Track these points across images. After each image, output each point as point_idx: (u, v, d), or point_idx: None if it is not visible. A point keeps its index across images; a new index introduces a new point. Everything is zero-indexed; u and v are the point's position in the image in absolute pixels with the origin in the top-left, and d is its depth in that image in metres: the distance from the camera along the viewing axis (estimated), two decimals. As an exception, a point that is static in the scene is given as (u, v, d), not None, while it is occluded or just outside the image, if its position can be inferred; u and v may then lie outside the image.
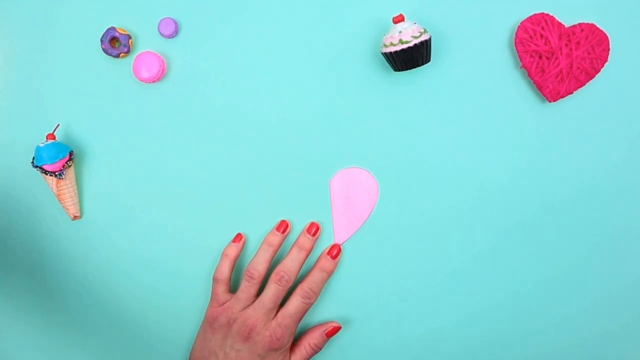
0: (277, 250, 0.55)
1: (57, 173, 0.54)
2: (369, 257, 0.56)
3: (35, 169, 0.55)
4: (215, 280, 0.55)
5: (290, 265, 0.53)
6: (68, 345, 0.59)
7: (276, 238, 0.55)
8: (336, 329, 0.54)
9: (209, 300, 0.55)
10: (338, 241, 0.56)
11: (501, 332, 0.56)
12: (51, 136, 0.55)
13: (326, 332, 0.54)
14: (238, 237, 0.56)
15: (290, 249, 0.54)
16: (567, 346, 0.56)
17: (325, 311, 0.57)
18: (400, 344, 0.57)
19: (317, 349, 0.54)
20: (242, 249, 0.56)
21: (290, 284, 0.53)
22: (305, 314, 0.54)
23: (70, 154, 0.56)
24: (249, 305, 0.53)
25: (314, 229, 0.55)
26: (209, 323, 0.54)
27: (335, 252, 0.55)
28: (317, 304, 0.56)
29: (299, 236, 0.55)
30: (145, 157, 0.57)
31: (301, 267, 0.54)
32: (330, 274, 0.55)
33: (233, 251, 0.55)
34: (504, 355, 0.56)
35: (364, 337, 0.57)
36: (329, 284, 0.56)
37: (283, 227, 0.55)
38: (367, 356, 0.57)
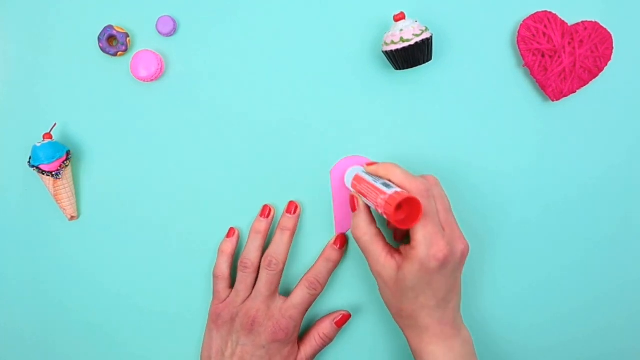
0: (266, 237, 0.54)
1: (54, 173, 0.54)
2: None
3: (32, 169, 0.54)
4: (215, 277, 0.55)
5: (276, 248, 0.53)
6: (66, 346, 0.59)
7: (262, 224, 0.54)
8: (346, 318, 0.54)
9: (212, 298, 0.55)
10: (339, 231, 0.55)
11: (499, 330, 0.55)
12: (48, 135, 0.55)
13: (335, 321, 0.54)
14: (231, 231, 0.56)
15: (274, 233, 0.54)
16: (566, 344, 0.55)
17: (328, 302, 0.56)
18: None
19: (327, 340, 0.54)
20: (237, 242, 0.56)
21: (281, 267, 0.53)
22: (312, 306, 0.54)
23: (68, 153, 0.55)
24: (248, 297, 0.53)
25: (293, 208, 0.55)
26: (213, 321, 0.54)
27: (341, 242, 0.55)
28: (321, 294, 0.56)
29: (280, 218, 0.55)
30: (143, 157, 0.57)
31: (289, 248, 0.54)
32: (336, 264, 0.54)
33: (228, 247, 0.55)
34: (504, 355, 0.56)
35: (369, 327, 0.56)
36: (333, 274, 0.56)
37: (267, 211, 0.55)
38: (372, 346, 0.57)
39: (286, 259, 0.53)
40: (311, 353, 0.53)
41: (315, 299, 0.53)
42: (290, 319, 0.51)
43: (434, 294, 0.46)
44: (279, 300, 0.53)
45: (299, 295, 0.52)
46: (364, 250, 0.49)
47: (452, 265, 0.47)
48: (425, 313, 0.47)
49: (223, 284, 0.54)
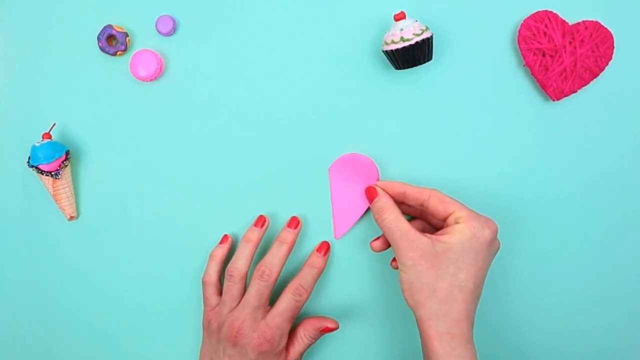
0: (256, 246, 0.53)
1: (53, 173, 0.54)
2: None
3: (31, 169, 0.54)
4: (204, 283, 0.54)
5: (271, 259, 0.52)
6: (66, 346, 0.59)
7: (254, 234, 0.53)
8: (331, 330, 0.53)
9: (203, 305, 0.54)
10: (338, 229, 0.55)
11: (499, 330, 0.55)
12: (47, 135, 0.55)
13: (321, 329, 0.53)
14: (224, 238, 0.55)
15: (272, 244, 0.53)
16: (565, 346, 0.55)
17: (327, 300, 0.56)
18: (399, 334, 0.56)
19: (312, 341, 0.53)
20: (229, 250, 0.55)
21: (273, 278, 0.51)
22: (300, 311, 0.53)
23: (67, 153, 0.55)
24: (235, 307, 0.51)
25: (295, 223, 0.54)
26: (205, 328, 0.53)
27: (324, 249, 0.54)
28: (317, 294, 0.56)
29: (280, 231, 0.54)
30: (142, 157, 0.57)
31: (284, 262, 0.52)
32: (321, 270, 0.53)
33: (219, 253, 0.54)
34: (504, 354, 0.56)
35: (363, 328, 0.56)
36: (329, 272, 0.55)
37: (261, 222, 0.54)
38: (366, 346, 0.57)
39: (280, 271, 0.52)
40: (299, 351, 0.52)
41: (302, 305, 0.52)
42: (275, 328, 0.50)
43: (475, 274, 0.45)
44: (267, 312, 0.51)
45: (284, 302, 0.51)
46: (389, 231, 0.48)
47: (496, 246, 0.48)
48: (462, 298, 0.45)
49: (211, 290, 0.54)
